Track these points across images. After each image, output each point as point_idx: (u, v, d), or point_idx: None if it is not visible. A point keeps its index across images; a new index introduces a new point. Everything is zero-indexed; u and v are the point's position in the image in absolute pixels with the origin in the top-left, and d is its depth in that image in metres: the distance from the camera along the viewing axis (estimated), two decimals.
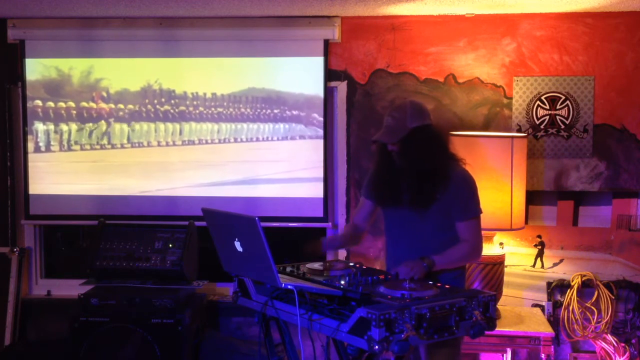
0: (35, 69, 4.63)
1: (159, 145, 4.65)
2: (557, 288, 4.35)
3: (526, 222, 4.22)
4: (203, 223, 3.38)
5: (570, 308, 4.24)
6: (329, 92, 4.51)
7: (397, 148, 3.04)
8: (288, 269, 3.06)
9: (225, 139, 4.61)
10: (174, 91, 4.60)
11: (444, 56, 4.41)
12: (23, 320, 4.66)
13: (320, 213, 4.51)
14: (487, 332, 2.71)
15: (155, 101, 4.60)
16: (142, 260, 4.27)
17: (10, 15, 4.54)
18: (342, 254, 4.56)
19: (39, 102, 4.64)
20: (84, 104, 4.65)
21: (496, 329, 2.83)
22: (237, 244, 2.79)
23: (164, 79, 4.59)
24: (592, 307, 4.27)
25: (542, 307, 4.31)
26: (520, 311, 4.21)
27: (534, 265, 4.40)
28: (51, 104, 4.65)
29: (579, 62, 4.32)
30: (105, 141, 4.66)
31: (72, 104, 4.65)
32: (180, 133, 4.63)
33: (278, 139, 4.58)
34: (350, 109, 4.50)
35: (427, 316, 2.51)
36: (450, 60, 4.40)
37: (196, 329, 4.28)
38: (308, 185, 4.54)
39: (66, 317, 4.11)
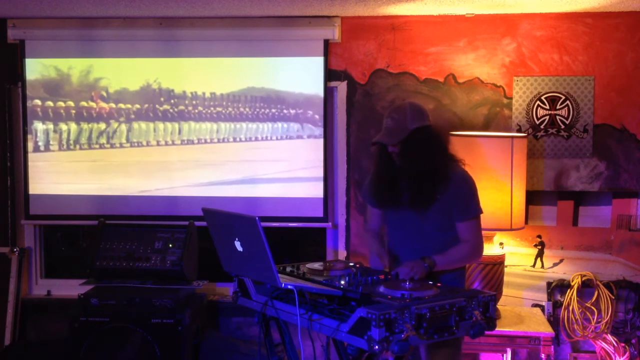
0: (35, 68, 4.62)
1: (158, 144, 4.65)
2: (557, 288, 4.35)
3: (526, 222, 4.22)
4: (203, 223, 3.38)
5: (570, 308, 4.24)
6: (329, 92, 4.51)
7: (398, 149, 3.05)
8: (288, 269, 3.06)
9: (225, 138, 4.61)
10: (173, 91, 4.60)
11: (444, 56, 4.40)
12: (23, 320, 4.66)
13: (320, 213, 4.51)
14: (487, 332, 2.71)
15: (155, 101, 4.60)
16: (142, 260, 4.27)
17: (10, 15, 4.54)
18: (342, 254, 4.56)
19: (38, 102, 4.64)
20: (84, 103, 4.65)
21: (496, 329, 2.83)
22: (238, 244, 2.79)
23: (164, 79, 4.59)
24: (592, 307, 4.27)
25: (542, 307, 4.31)
26: (520, 311, 4.21)
27: (534, 265, 4.40)
28: (50, 103, 4.65)
29: (579, 62, 4.32)
30: (104, 140, 4.66)
31: (71, 103, 4.65)
32: (180, 132, 4.63)
33: (277, 139, 4.58)
34: (350, 109, 4.49)
35: (427, 316, 2.51)
36: (450, 60, 4.40)
37: (196, 329, 4.28)
38: (308, 185, 4.54)
39: (66, 317, 4.11)
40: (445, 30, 4.38)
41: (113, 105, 4.64)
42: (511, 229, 3.95)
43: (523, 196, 4.04)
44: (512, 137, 3.97)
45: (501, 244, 4.21)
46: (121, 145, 4.66)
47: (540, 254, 4.40)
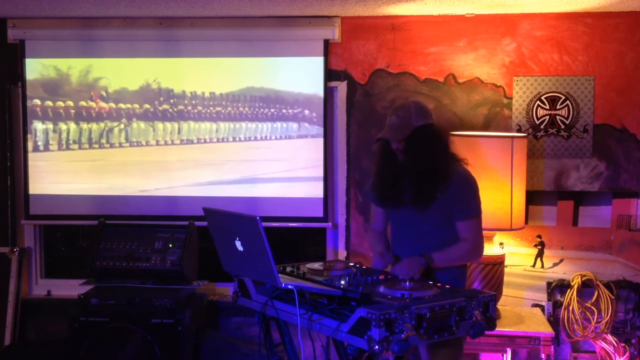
0: (34, 68, 4.62)
1: (157, 144, 4.65)
2: (557, 288, 4.35)
3: (526, 222, 4.22)
4: (203, 223, 3.38)
5: (570, 308, 4.24)
6: (329, 92, 4.50)
7: (402, 146, 3.06)
8: (288, 269, 3.06)
9: (224, 138, 4.61)
10: (172, 90, 4.60)
11: (444, 56, 4.40)
12: (23, 320, 4.66)
13: (320, 213, 4.51)
14: (487, 332, 2.71)
15: (154, 101, 4.60)
16: (142, 260, 4.27)
17: (10, 15, 4.54)
18: (342, 254, 4.56)
19: (37, 102, 4.64)
20: (83, 103, 4.65)
21: (496, 329, 2.83)
22: (238, 244, 2.79)
23: (163, 79, 4.59)
24: (592, 307, 4.27)
25: (542, 307, 4.30)
26: (520, 311, 4.21)
27: (534, 265, 4.40)
28: (50, 103, 4.65)
29: (579, 62, 4.32)
30: (104, 140, 4.66)
31: (70, 103, 4.65)
32: (179, 132, 4.63)
33: (277, 138, 4.58)
34: (350, 108, 4.49)
35: (427, 316, 2.51)
36: (450, 60, 4.40)
37: (196, 329, 4.28)
38: (308, 185, 4.54)
39: (66, 317, 4.11)
40: (445, 30, 4.38)
41: (113, 105, 4.63)
42: (511, 229, 3.95)
43: (523, 196, 4.04)
44: (512, 137, 3.96)
45: (501, 244, 4.21)
46: (121, 145, 4.66)
47: (540, 254, 4.40)
